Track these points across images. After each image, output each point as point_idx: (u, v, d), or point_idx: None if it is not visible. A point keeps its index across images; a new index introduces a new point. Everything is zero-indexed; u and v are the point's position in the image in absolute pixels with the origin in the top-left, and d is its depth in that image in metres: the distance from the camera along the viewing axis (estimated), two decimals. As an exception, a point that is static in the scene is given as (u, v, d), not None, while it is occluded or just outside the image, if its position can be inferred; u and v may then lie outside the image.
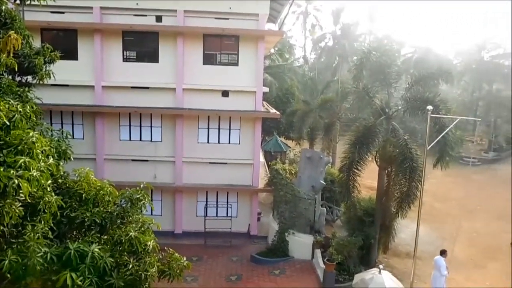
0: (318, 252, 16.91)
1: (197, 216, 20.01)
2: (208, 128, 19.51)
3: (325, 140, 27.95)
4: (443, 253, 14.75)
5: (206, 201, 20.03)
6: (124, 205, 7.56)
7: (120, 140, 19.28)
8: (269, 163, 22.36)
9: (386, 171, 16.17)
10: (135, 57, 18.85)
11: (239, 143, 19.63)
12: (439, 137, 12.26)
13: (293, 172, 20.01)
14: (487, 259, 18.87)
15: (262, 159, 24.08)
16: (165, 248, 7.59)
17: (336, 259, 15.34)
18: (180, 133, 19.24)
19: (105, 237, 7.12)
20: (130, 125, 19.30)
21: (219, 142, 19.61)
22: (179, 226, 19.94)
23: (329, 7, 73.22)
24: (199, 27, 18.29)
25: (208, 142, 19.57)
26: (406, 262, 17.57)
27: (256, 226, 20.32)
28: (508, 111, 46.49)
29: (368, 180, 19.08)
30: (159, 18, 18.34)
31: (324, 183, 19.01)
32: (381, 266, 11.28)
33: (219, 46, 18.94)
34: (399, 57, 51.76)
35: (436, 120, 14.15)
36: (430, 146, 10.70)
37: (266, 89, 20.12)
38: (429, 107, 10.12)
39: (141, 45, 18.83)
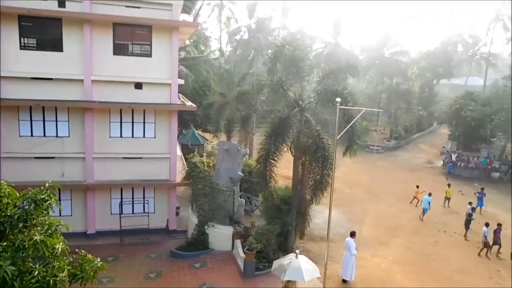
0: (238, 242, 17.20)
1: (111, 214, 19.08)
2: (121, 122, 18.59)
3: (242, 132, 28.38)
4: (352, 234, 16.00)
5: (121, 198, 19.17)
6: (26, 207, 6.92)
7: (20, 136, 17.52)
8: (187, 156, 22.05)
9: (301, 161, 16.89)
10: (35, 45, 17.15)
11: (155, 137, 19.05)
12: (347, 127, 13.16)
13: (211, 164, 20.00)
14: (390, 236, 20.84)
15: (179, 152, 23.67)
16: (77, 250, 7.14)
17: (256, 247, 15.77)
18: (90, 127, 18.07)
19: (5, 243, 6.46)
20: (31, 120, 17.62)
21: (133, 136, 18.81)
22: (92, 226, 18.84)
23: (244, 1, 73.90)
24: (108, 15, 17.22)
25: (121, 136, 18.67)
26: (321, 245, 18.69)
27: (175, 220, 20.00)
28: (406, 103, 51.56)
29: (284, 170, 19.78)
30: (62, 3, 16.88)
31: (242, 174, 19.32)
32: (297, 251, 11.83)
33: (130, 36, 18.06)
34: (311, 51, 54.39)
35: (345, 112, 15.14)
36: (339, 136, 11.42)
37: (182, 81, 19.74)
38: (338, 99, 10.78)
39: (42, 32, 17.19)
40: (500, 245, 19.32)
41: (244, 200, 20.25)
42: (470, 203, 22.96)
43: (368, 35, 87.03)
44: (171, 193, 19.77)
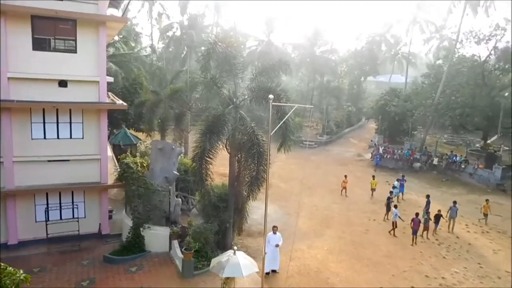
0: (175, 242, 16.92)
1: (36, 222, 17.81)
2: (44, 123, 17.38)
3: (177, 130, 27.88)
4: (274, 228, 16.22)
5: (47, 204, 17.95)
6: None
7: None
8: (119, 157, 21.21)
9: (237, 158, 17.00)
10: None
11: (83, 138, 18.08)
12: (281, 123, 13.50)
13: (145, 164, 19.43)
14: (324, 227, 21.74)
15: (110, 153, 22.70)
16: (-5, 263, 6.60)
17: (194, 247, 15.63)
18: (7, 128, 16.68)
19: None
20: None
21: (58, 138, 17.68)
22: (14, 236, 17.43)
23: (175, -4, 72.31)
24: (24, 7, 15.96)
25: (44, 138, 17.46)
26: (259, 241, 18.99)
27: (108, 224, 19.17)
28: (336, 99, 54.07)
29: (220, 167, 19.77)
30: (-31, -7, 15.37)
31: (178, 173, 19.01)
32: (235, 247, 11.92)
33: (52, 30, 16.90)
34: (244, 49, 54.91)
35: (278, 108, 15.50)
36: (273, 132, 11.67)
37: (111, 79, 18.93)
38: (271, 96, 10.98)
39: None
40: (427, 229, 21.12)
41: (180, 199, 19.96)
42: (393, 187, 24.66)
43: (299, 34, 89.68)
44: (102, 196, 18.90)
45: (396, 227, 21.35)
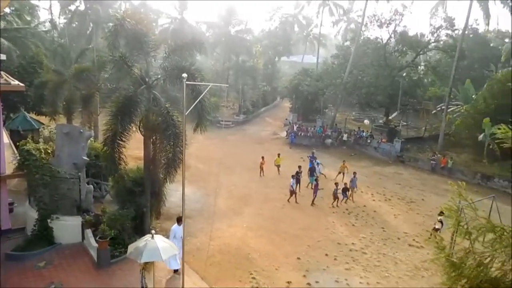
0: (88, 232, 16.02)
1: None
2: None
3: (85, 113, 26.08)
4: (179, 221, 14.59)
5: None
6: None
7: None
8: (18, 143, 19.24)
9: (152, 140, 16.45)
10: None
11: (-28, 123, 16.05)
12: (195, 102, 13.29)
13: (49, 151, 17.89)
14: (243, 206, 22.23)
15: (7, 140, 20.51)
16: None
17: (109, 234, 14.94)
18: None
19: None
20: None
21: None
22: None
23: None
24: None
25: None
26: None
27: (9, 218, 17.43)
28: (252, 79, 54.67)
29: (135, 150, 19.06)
30: None
31: (88, 158, 17.89)
32: (153, 231, 11.63)
33: None
34: (156, 26, 52.73)
35: (193, 88, 15.21)
36: (188, 112, 11.47)
37: (3, 57, 16.93)
38: (184, 75, 10.73)
39: None
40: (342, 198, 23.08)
41: (92, 186, 18.89)
42: (299, 167, 25.85)
43: (213, 13, 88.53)
44: (1, 188, 17.09)
45: (294, 193, 23.21)
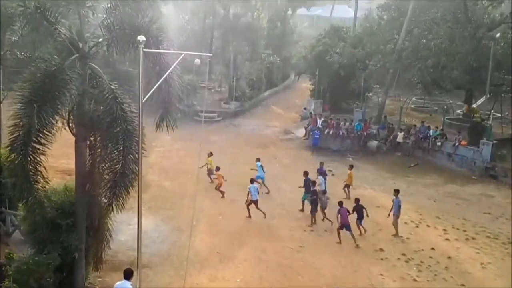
0: (-16, 291, 16.23)
1: None
2: None
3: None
4: (128, 274, 14.68)
5: None
6: None
7: None
8: None
9: (88, 143, 16.58)
10: None
11: None
12: (159, 82, 13.32)
13: None
14: (235, 247, 22.21)
15: None
16: None
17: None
18: None
19: None
20: None
21: None
22: None
23: None
24: None
25: None
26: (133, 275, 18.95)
27: None
28: (250, 44, 54.47)
29: (61, 160, 19.29)
30: None
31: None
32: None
33: None
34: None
35: (155, 59, 15.34)
36: (146, 98, 11.61)
37: None
38: (141, 38, 10.80)
39: None
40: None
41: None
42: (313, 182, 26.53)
43: None
44: None
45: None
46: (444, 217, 27.23)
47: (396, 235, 24.33)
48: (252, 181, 26.11)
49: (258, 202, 25.47)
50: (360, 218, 24.10)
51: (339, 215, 23.20)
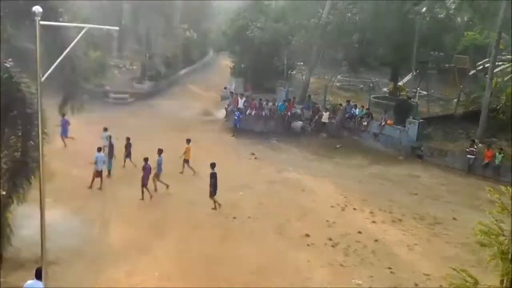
0: None
1: None
2: None
3: None
4: (39, 273, 14.25)
5: None
6: None
7: None
8: None
9: (-19, 128, 16.06)
10: None
11: None
12: (60, 58, 12.85)
13: None
14: (154, 237, 22.11)
15: None
16: None
17: None
18: None
19: None
20: None
21: None
22: None
23: None
24: None
25: None
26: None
27: None
28: (164, 17, 53.79)
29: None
30: None
31: None
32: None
33: None
34: None
35: (55, 33, 14.92)
36: (46, 76, 11.26)
37: None
38: (37, 8, 10.42)
39: None
40: None
41: None
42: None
43: None
44: None
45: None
46: (371, 199, 28.03)
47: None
48: (99, 149, 26.80)
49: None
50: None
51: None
